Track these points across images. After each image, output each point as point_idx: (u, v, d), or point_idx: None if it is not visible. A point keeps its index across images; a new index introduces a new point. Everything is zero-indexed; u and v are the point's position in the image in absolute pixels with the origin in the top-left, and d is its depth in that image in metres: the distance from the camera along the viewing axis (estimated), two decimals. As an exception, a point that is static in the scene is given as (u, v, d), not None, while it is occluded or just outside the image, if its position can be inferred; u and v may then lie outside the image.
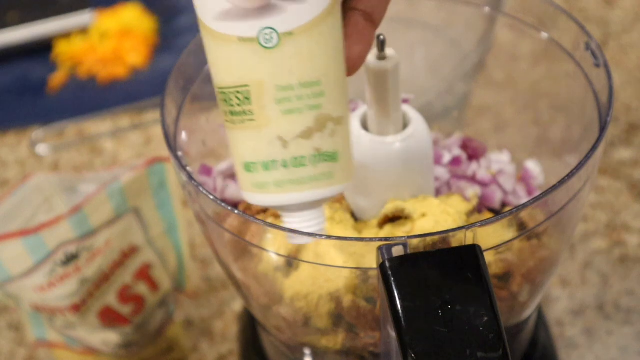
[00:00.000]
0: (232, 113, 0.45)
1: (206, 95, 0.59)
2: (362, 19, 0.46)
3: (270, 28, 0.43)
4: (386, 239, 0.49)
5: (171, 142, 0.56)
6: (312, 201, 0.46)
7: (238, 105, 0.45)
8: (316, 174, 0.45)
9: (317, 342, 0.58)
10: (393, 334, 0.48)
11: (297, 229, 0.47)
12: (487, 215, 0.60)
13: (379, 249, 0.49)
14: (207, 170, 0.62)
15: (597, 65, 0.57)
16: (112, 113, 0.96)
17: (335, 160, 0.46)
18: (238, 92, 0.45)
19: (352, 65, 0.46)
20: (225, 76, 0.45)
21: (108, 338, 0.70)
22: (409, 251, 0.48)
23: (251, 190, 0.46)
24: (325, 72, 0.45)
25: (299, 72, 0.44)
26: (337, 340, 0.57)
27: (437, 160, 0.61)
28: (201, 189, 0.53)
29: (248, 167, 0.46)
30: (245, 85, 0.44)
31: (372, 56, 0.54)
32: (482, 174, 0.61)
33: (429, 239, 0.49)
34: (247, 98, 0.44)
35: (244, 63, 0.44)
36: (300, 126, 0.45)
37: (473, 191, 0.60)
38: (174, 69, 0.59)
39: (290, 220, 0.47)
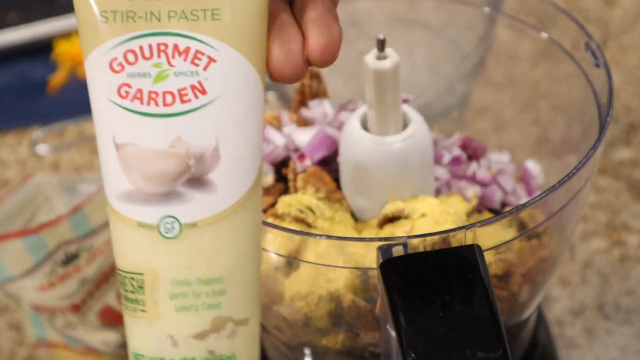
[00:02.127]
0: (126, 298, 0.41)
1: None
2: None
3: (172, 217, 0.39)
4: (386, 239, 0.49)
5: (171, 142, 0.56)
6: None
7: (132, 292, 0.41)
8: None
9: (317, 342, 0.58)
10: (393, 334, 0.48)
11: None
12: (487, 215, 0.60)
13: (379, 249, 0.49)
14: (207, 170, 0.62)
15: (597, 65, 0.57)
16: (112, 113, 0.96)
17: None
18: (132, 278, 0.40)
19: (321, 59, 0.40)
20: (123, 259, 0.41)
21: (108, 338, 0.70)
22: (409, 251, 0.48)
23: None
24: (230, 269, 0.40)
25: (199, 268, 0.40)
26: (337, 340, 0.57)
27: (437, 160, 0.61)
28: (201, 189, 0.53)
29: (137, 358, 0.41)
30: (140, 274, 0.40)
31: (371, 56, 0.54)
32: (482, 174, 0.61)
33: (429, 239, 0.49)
34: (140, 287, 0.40)
35: (141, 250, 0.40)
36: (195, 326, 0.40)
37: (473, 191, 0.60)
38: (174, 69, 0.59)
39: None
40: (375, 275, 0.52)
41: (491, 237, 0.51)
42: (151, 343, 0.41)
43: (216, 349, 0.41)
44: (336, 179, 0.60)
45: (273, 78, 0.40)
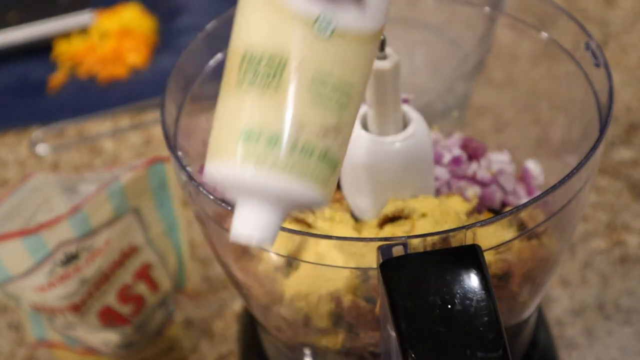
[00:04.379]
0: (255, 74, 0.43)
1: (206, 95, 0.59)
2: None
3: (328, 19, 0.43)
4: (386, 239, 0.49)
5: (171, 142, 0.56)
6: (291, 199, 0.43)
7: (269, 66, 0.43)
8: (315, 173, 0.43)
9: (317, 342, 0.58)
10: (393, 334, 0.48)
11: (240, 225, 0.45)
12: (487, 215, 0.60)
13: (379, 249, 0.49)
14: (207, 170, 0.62)
15: (597, 65, 0.57)
16: (112, 113, 0.96)
17: (332, 173, 0.44)
18: (274, 56, 0.43)
19: None
20: (267, 38, 0.43)
21: (108, 338, 0.70)
22: (409, 251, 0.48)
23: (233, 161, 0.43)
24: (357, 85, 0.44)
25: (339, 72, 0.43)
26: (337, 340, 0.57)
27: (437, 160, 0.61)
28: (201, 189, 0.53)
29: (249, 135, 0.43)
30: (285, 56, 0.43)
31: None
32: (482, 174, 0.61)
33: (429, 239, 0.49)
34: (283, 66, 0.43)
35: (292, 36, 0.43)
36: (322, 119, 0.43)
37: (473, 191, 0.60)
38: (174, 69, 0.59)
39: (242, 212, 0.44)
40: (375, 275, 0.52)
41: (491, 237, 0.51)
42: (278, 121, 0.43)
43: (330, 150, 0.44)
44: (336, 179, 0.59)
45: None
